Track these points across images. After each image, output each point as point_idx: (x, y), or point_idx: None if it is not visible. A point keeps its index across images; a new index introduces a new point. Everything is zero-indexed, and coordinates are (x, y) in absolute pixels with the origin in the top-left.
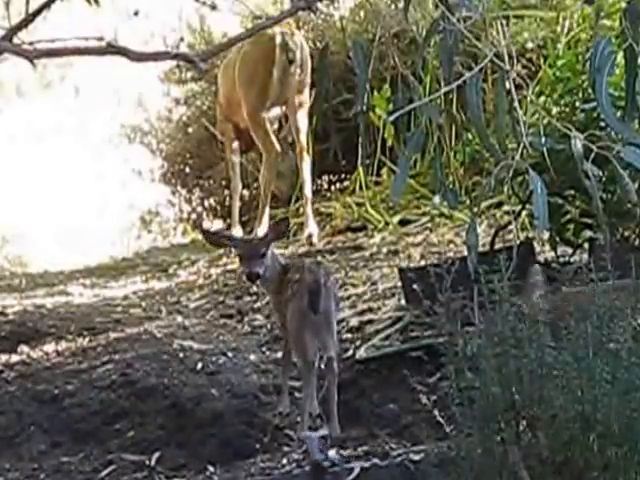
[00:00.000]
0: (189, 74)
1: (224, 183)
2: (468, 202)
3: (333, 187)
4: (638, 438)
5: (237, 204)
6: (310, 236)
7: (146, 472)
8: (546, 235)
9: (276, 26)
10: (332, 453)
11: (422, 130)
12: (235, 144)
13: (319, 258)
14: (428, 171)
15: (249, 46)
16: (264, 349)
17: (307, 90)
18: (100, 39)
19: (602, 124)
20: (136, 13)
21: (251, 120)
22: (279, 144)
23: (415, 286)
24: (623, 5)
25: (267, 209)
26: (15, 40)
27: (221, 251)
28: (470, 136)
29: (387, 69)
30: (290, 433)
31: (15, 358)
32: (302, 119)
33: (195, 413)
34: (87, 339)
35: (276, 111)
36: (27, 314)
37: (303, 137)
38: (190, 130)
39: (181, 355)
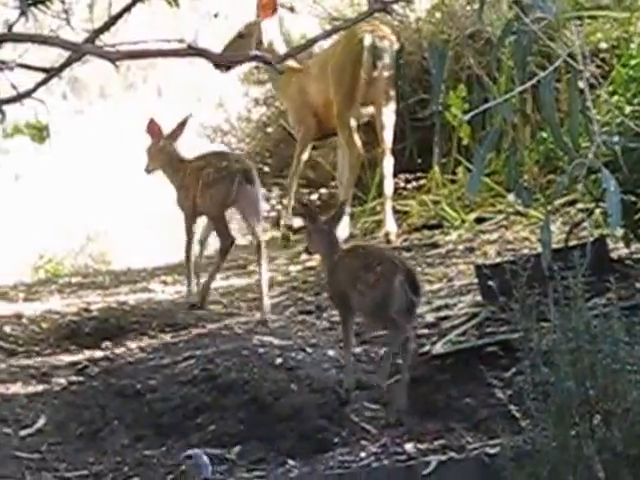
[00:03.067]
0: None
1: (302, 182)
2: (542, 200)
3: (409, 185)
4: None
5: (291, 203)
6: (388, 234)
7: (227, 465)
8: (620, 232)
9: (368, 28)
10: (409, 447)
11: (497, 129)
12: (309, 147)
13: None
14: (503, 169)
15: (341, 47)
16: (342, 344)
17: (393, 89)
18: (181, 41)
19: None
20: (216, 15)
21: (339, 120)
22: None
23: (491, 282)
24: None
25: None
26: (98, 42)
27: (300, 248)
28: (544, 135)
29: (462, 69)
30: (368, 427)
31: (99, 354)
32: (387, 118)
33: (275, 407)
34: (169, 335)
35: (367, 110)
36: (111, 311)
37: (387, 136)
38: (269, 130)
39: (261, 351)
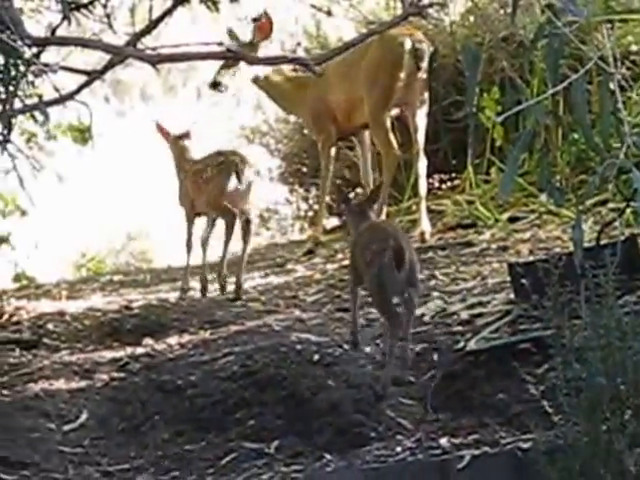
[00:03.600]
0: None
1: (339, 182)
2: (574, 200)
3: (444, 185)
4: None
5: (324, 211)
6: (423, 233)
7: (265, 459)
8: None
9: (404, 31)
10: (444, 441)
11: (530, 130)
12: (333, 151)
13: (430, 254)
14: (536, 170)
15: (376, 49)
16: (378, 341)
17: (427, 92)
18: (220, 44)
19: None
20: (255, 19)
21: (373, 120)
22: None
23: (524, 281)
24: None
25: (384, 208)
26: (139, 45)
27: (337, 247)
28: (576, 136)
29: (496, 72)
30: (404, 422)
31: (140, 350)
32: (421, 119)
33: (312, 403)
34: (209, 332)
35: (396, 111)
36: (151, 308)
37: (421, 137)
38: (307, 131)
39: (299, 347)
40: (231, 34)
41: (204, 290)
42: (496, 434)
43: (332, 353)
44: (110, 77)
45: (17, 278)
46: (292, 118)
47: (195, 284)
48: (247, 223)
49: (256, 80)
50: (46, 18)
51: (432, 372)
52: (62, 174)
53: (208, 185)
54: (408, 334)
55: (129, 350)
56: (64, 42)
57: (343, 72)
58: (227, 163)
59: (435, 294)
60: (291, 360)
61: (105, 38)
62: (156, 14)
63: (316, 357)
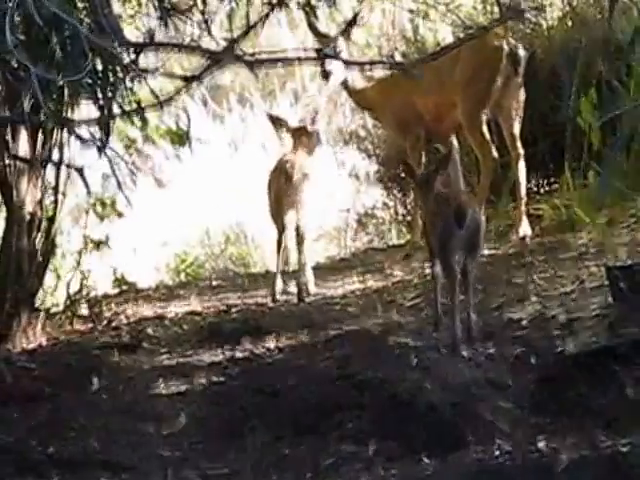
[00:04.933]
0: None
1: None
2: None
3: (542, 189)
4: None
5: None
6: (524, 237)
7: (364, 463)
8: None
9: (498, 37)
10: (542, 444)
11: (627, 133)
12: (422, 152)
13: (529, 258)
14: (634, 173)
15: (473, 53)
16: (476, 345)
17: (522, 96)
18: (318, 49)
19: None
20: (351, 24)
21: (469, 124)
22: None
23: (622, 284)
24: None
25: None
26: (237, 50)
27: None
28: None
29: (593, 75)
30: (502, 426)
31: (239, 354)
32: (516, 123)
33: (410, 406)
34: (307, 336)
35: (487, 115)
36: (250, 312)
37: (518, 142)
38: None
39: (397, 351)
40: (312, 29)
41: (300, 295)
42: (595, 437)
43: (430, 357)
44: (208, 81)
45: (116, 283)
46: None
47: (293, 288)
48: (298, 230)
49: (345, 84)
50: (144, 23)
51: (530, 375)
52: (160, 178)
53: (270, 191)
54: (470, 304)
55: (228, 354)
56: (162, 47)
57: (433, 75)
58: (278, 168)
59: (533, 298)
60: (389, 363)
61: (203, 43)
62: (254, 19)
63: (414, 360)
